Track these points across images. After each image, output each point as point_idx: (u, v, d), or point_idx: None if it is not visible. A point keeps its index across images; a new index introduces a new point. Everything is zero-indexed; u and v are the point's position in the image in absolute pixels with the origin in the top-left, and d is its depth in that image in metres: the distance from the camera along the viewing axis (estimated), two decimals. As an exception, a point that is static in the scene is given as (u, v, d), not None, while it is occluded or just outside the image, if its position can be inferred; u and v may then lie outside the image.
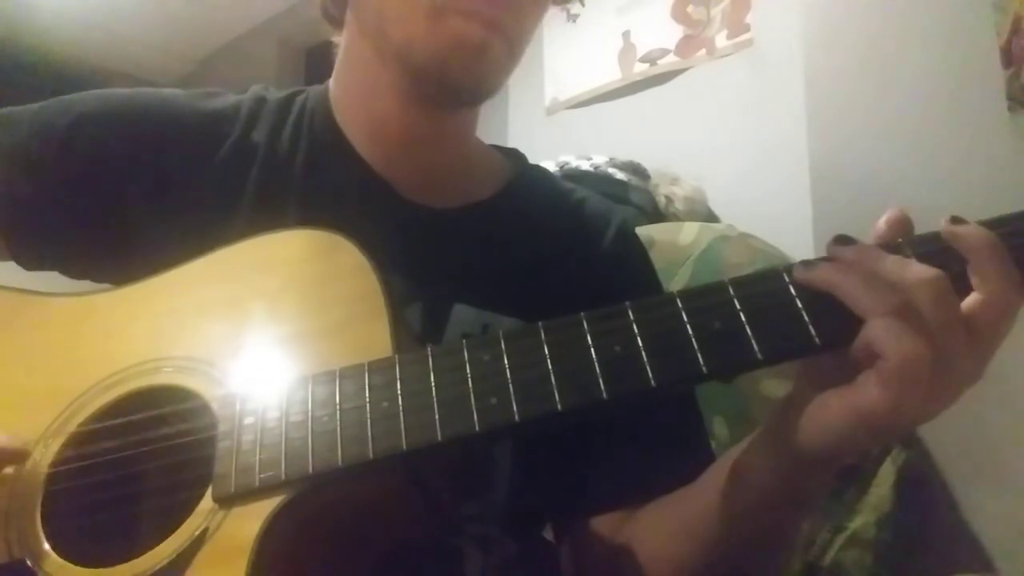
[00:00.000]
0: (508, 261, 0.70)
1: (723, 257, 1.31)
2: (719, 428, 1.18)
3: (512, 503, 0.65)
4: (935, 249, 0.44)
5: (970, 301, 0.43)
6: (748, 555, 0.56)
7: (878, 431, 0.44)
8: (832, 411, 0.44)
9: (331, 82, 0.75)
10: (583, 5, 0.80)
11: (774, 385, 1.16)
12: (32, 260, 0.70)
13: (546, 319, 0.48)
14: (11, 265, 0.70)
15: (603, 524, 0.66)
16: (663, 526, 0.62)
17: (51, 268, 0.71)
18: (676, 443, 0.68)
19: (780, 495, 0.50)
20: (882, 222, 0.46)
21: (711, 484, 0.56)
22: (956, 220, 0.44)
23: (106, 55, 3.35)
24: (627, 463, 0.67)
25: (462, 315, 0.65)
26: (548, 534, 0.73)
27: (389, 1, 0.63)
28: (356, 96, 0.71)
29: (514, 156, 0.80)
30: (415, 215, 0.69)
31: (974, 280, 0.43)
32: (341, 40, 0.73)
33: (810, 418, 0.45)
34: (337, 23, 0.73)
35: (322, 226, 0.56)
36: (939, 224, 0.45)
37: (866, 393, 0.42)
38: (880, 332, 0.41)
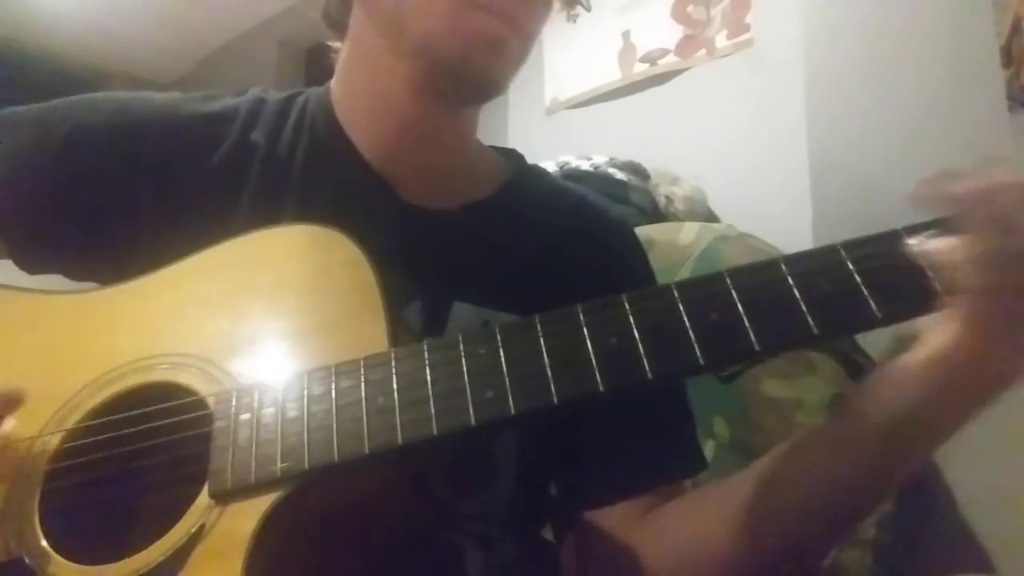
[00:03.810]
0: (507, 259, 0.70)
1: (723, 257, 1.30)
2: (719, 428, 1.18)
3: (514, 502, 0.65)
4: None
5: None
6: (816, 531, 0.55)
7: (964, 383, 0.43)
8: (910, 372, 0.44)
9: (332, 83, 0.75)
10: (588, 11, 0.80)
11: (775, 385, 1.16)
12: (33, 263, 0.70)
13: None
14: (11, 264, 0.70)
15: (617, 523, 0.66)
16: (700, 515, 0.61)
17: (52, 271, 0.71)
18: (667, 440, 0.69)
19: (866, 472, 0.49)
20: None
21: (767, 475, 0.55)
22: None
23: (106, 55, 3.36)
24: (621, 459, 0.67)
25: (462, 313, 0.66)
26: (547, 534, 0.73)
27: None
28: (362, 95, 0.71)
29: (512, 156, 0.80)
30: (414, 216, 0.69)
31: None
32: (343, 44, 0.74)
33: (883, 390, 0.46)
34: (339, 27, 0.74)
35: (317, 221, 0.56)
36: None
37: (947, 331, 0.42)
38: (981, 249, 0.40)
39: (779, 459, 0.56)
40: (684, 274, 1.28)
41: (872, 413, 0.47)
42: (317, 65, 3.14)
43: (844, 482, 0.50)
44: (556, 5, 0.71)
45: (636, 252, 0.78)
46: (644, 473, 0.66)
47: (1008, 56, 1.36)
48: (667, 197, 1.67)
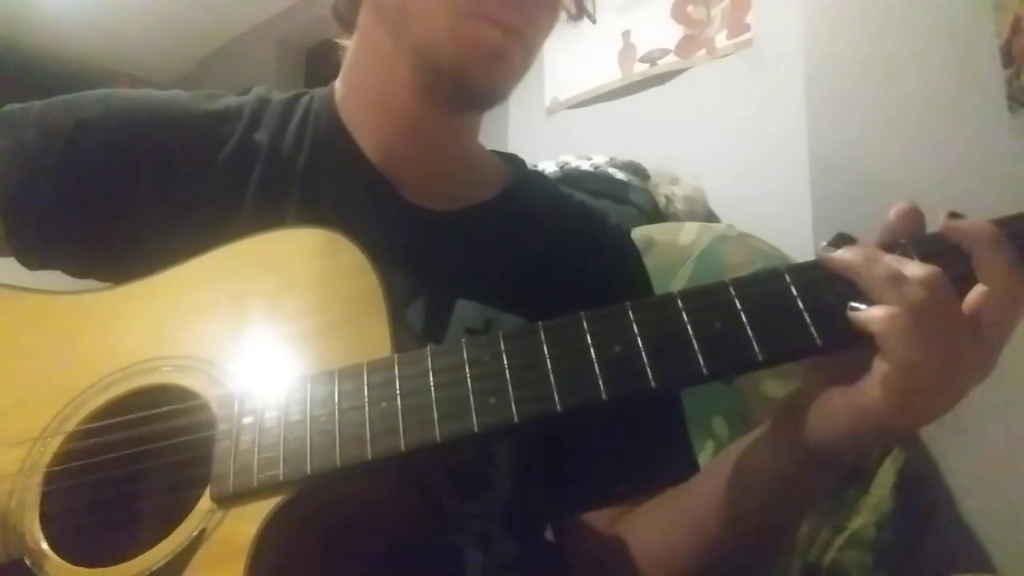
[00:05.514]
0: (509, 260, 0.70)
1: (723, 257, 1.30)
2: (719, 428, 1.18)
3: (514, 503, 0.65)
4: (938, 249, 0.44)
5: (975, 295, 0.42)
6: (747, 550, 0.57)
7: (881, 431, 0.44)
8: (836, 409, 0.44)
9: (337, 83, 0.75)
10: (594, 23, 0.81)
11: (774, 385, 1.16)
12: (34, 259, 0.70)
13: (546, 315, 0.48)
14: (12, 263, 0.70)
15: (597, 520, 0.67)
16: (662, 521, 0.62)
17: (53, 267, 0.71)
18: (659, 445, 0.69)
19: (783, 493, 0.51)
20: (892, 213, 0.46)
21: (713, 480, 0.57)
22: (955, 215, 0.44)
23: (106, 55, 3.35)
24: (612, 463, 0.67)
25: (465, 311, 0.66)
26: (548, 535, 0.73)
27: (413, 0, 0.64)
28: (366, 94, 0.71)
29: (513, 161, 0.81)
30: (417, 215, 0.69)
31: (978, 273, 0.42)
32: (350, 42, 0.73)
33: (814, 416, 0.46)
34: (347, 24, 0.74)
35: (323, 225, 0.56)
36: (940, 224, 0.45)
37: (869, 394, 0.42)
38: (889, 330, 0.41)
39: (727, 464, 0.56)
40: (684, 273, 1.28)
41: (798, 438, 0.48)
42: (317, 65, 3.17)
43: (780, 484, 0.51)
44: (561, 16, 0.71)
45: (634, 258, 0.79)
46: (636, 479, 0.67)
47: (1008, 56, 1.36)
48: (667, 197, 1.67)
